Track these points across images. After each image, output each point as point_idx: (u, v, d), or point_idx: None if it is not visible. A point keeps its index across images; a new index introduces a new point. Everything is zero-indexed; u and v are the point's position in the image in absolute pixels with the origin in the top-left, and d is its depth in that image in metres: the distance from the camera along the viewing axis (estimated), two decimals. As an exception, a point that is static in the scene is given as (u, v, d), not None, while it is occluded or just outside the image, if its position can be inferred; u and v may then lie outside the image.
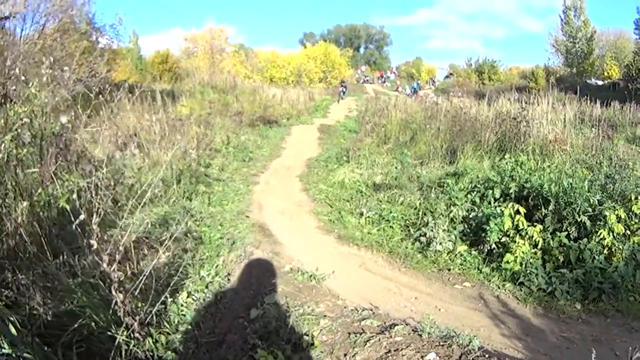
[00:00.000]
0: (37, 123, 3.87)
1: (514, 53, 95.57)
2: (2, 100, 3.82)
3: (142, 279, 3.09)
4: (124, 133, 8.05)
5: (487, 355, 2.61)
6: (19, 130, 3.40)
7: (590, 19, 32.06)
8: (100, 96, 5.29)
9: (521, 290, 5.46)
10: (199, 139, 10.70)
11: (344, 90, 29.03)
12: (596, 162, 7.95)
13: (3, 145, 3.27)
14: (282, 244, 6.39)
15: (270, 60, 35.87)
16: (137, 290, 3.04)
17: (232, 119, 15.95)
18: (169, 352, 3.27)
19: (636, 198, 6.18)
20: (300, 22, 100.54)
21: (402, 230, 7.46)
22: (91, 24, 11.65)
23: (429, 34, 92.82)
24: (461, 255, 6.39)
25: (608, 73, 31.83)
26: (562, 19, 32.55)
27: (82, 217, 2.49)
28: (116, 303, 2.76)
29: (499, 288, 5.58)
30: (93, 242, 2.52)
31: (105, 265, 2.60)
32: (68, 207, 2.84)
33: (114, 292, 2.69)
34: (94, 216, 2.62)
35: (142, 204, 6.33)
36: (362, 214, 8.22)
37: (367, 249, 6.90)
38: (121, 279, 2.73)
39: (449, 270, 6.14)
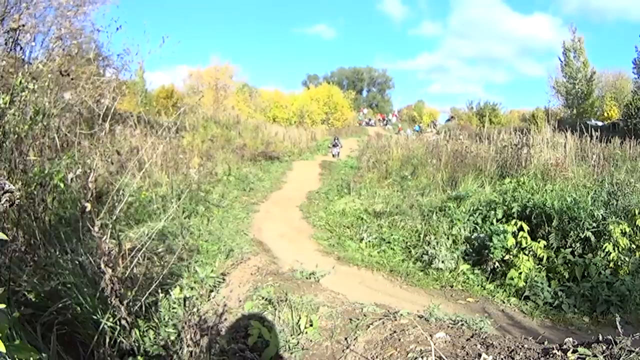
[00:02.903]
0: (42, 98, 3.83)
1: (515, 97, 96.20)
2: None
3: (133, 265, 2.99)
4: (125, 152, 8.05)
5: (501, 334, 2.47)
6: (23, 107, 3.37)
7: (589, 60, 32.71)
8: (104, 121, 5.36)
9: (527, 304, 5.31)
10: (200, 164, 10.73)
11: (339, 151, 21.84)
12: (598, 183, 7.90)
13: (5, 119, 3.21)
14: (280, 259, 6.25)
15: (273, 100, 36.15)
16: (127, 275, 2.92)
17: (235, 153, 16.04)
18: (156, 347, 3.12)
19: (640, 213, 6.11)
20: (304, 64, 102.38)
21: (403, 252, 7.32)
22: (99, 52, 11.93)
23: (431, 78, 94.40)
24: (464, 273, 6.25)
25: (608, 114, 32.15)
26: (561, 61, 33.10)
27: (79, 171, 2.42)
28: (104, 281, 2.63)
29: (503, 302, 5.42)
30: (87, 204, 2.43)
31: (96, 229, 2.49)
32: (62, 185, 2.77)
33: (103, 266, 2.56)
34: (92, 173, 2.51)
35: (139, 219, 6.27)
36: (362, 239, 8.11)
37: (367, 268, 6.75)
38: (111, 251, 2.61)
39: (452, 287, 5.98)
